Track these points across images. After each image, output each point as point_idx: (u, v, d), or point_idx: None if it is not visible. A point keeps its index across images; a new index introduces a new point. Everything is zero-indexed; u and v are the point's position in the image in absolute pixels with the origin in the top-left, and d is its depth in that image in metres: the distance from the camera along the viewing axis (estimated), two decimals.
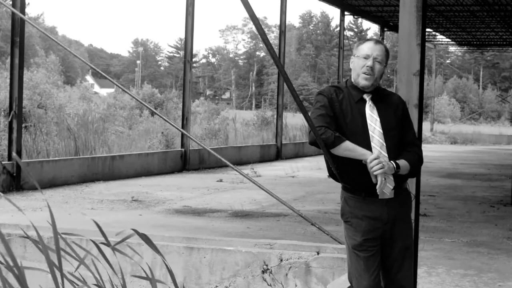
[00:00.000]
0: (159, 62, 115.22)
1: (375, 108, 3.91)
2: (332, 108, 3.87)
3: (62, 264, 2.20)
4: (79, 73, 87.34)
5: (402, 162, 3.85)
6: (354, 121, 3.87)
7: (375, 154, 3.76)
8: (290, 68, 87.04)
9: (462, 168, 21.03)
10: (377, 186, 3.77)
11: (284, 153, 23.21)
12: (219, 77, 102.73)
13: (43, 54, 47.64)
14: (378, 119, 3.88)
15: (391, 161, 3.81)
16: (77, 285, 2.23)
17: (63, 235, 2.35)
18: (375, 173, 3.74)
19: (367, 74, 3.90)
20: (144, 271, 2.81)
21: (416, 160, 3.94)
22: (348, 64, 4.27)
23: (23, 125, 14.38)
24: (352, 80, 3.98)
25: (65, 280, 2.23)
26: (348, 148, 3.77)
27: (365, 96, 3.93)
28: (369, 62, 3.90)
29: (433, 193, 14.02)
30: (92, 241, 2.49)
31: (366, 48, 3.94)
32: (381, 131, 3.86)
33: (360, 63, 3.92)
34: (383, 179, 3.76)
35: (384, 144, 3.85)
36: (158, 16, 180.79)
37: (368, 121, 3.87)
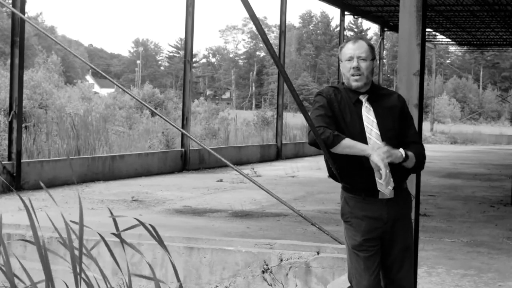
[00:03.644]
0: (159, 62, 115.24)
1: (371, 110, 3.90)
2: (331, 108, 3.87)
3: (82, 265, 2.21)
4: (79, 73, 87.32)
5: (410, 153, 3.83)
6: (353, 122, 3.87)
7: (375, 147, 3.75)
8: (290, 68, 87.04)
9: (462, 168, 21.03)
10: (382, 179, 3.72)
11: (284, 153, 23.21)
12: (219, 77, 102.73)
13: (44, 54, 47.63)
14: (375, 120, 3.86)
15: (400, 149, 3.79)
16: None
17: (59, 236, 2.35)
18: (382, 163, 3.69)
19: (356, 75, 3.89)
20: (151, 269, 2.81)
21: (421, 155, 3.93)
22: None
23: (23, 125, 14.38)
24: (346, 84, 3.98)
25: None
26: (348, 145, 3.76)
27: (361, 97, 3.92)
28: (354, 63, 3.89)
29: (433, 193, 14.02)
30: (102, 237, 2.49)
31: (347, 50, 3.94)
32: (378, 132, 3.85)
33: (347, 66, 3.92)
34: (388, 171, 3.71)
35: (382, 145, 3.83)
36: (158, 16, 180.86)
37: (365, 123, 3.86)
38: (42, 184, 2.31)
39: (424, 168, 4.08)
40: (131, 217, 2.60)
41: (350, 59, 3.91)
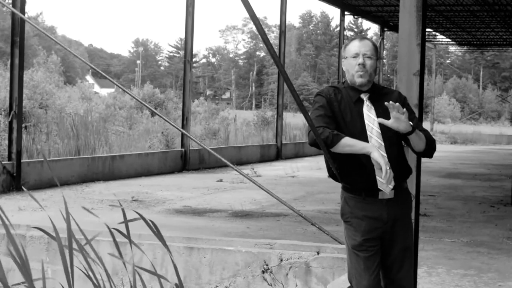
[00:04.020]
0: (159, 62, 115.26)
1: (372, 108, 3.90)
2: (331, 108, 3.87)
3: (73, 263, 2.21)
4: (79, 73, 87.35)
5: (418, 131, 3.82)
6: (353, 121, 3.87)
7: (377, 147, 3.75)
8: (290, 68, 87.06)
9: (462, 168, 21.03)
10: (383, 175, 3.71)
11: (284, 153, 23.21)
12: (219, 77, 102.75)
13: (44, 54, 47.64)
14: (376, 119, 3.87)
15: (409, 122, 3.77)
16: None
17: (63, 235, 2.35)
18: (378, 160, 3.69)
19: (361, 71, 3.90)
20: (153, 267, 2.81)
21: (430, 137, 3.91)
22: None
23: (23, 125, 14.38)
24: (348, 81, 3.98)
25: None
26: (348, 144, 3.76)
27: (362, 96, 3.93)
28: (360, 60, 3.91)
29: (433, 193, 14.02)
30: (108, 227, 2.49)
31: (353, 47, 3.95)
32: (379, 131, 3.85)
33: (352, 63, 3.93)
34: (387, 168, 3.71)
35: (383, 144, 3.84)
36: (158, 16, 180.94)
37: (366, 122, 3.86)
38: (24, 189, 2.31)
39: (434, 151, 4.01)
40: (132, 212, 2.59)
41: (356, 56, 3.92)
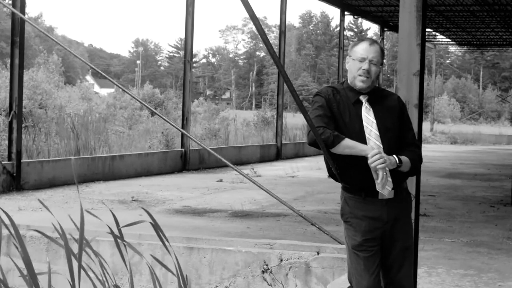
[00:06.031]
0: (159, 62, 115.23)
1: (371, 110, 3.89)
2: (330, 108, 3.86)
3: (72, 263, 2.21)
4: (79, 73, 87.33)
5: (404, 158, 3.84)
6: (352, 122, 3.87)
7: (376, 149, 3.75)
8: (290, 68, 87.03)
9: (462, 168, 21.03)
10: (379, 180, 3.73)
11: (284, 153, 23.21)
12: (219, 77, 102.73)
13: (45, 54, 47.65)
14: (375, 121, 3.86)
15: (394, 156, 3.80)
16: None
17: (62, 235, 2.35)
18: (377, 167, 3.70)
19: (364, 77, 3.89)
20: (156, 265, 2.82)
21: (416, 159, 3.93)
22: None
23: (23, 125, 14.38)
24: (349, 81, 3.97)
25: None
26: (348, 146, 3.76)
27: (361, 97, 3.92)
28: (365, 65, 3.88)
29: (433, 193, 14.02)
30: (119, 235, 2.50)
31: (362, 50, 3.92)
32: (377, 133, 3.84)
33: (356, 66, 3.91)
34: (384, 173, 3.73)
35: (381, 146, 3.83)
36: (158, 16, 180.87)
37: (364, 123, 3.86)
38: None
39: (419, 172, 4.08)
40: (134, 212, 2.59)
41: (362, 60, 3.89)
